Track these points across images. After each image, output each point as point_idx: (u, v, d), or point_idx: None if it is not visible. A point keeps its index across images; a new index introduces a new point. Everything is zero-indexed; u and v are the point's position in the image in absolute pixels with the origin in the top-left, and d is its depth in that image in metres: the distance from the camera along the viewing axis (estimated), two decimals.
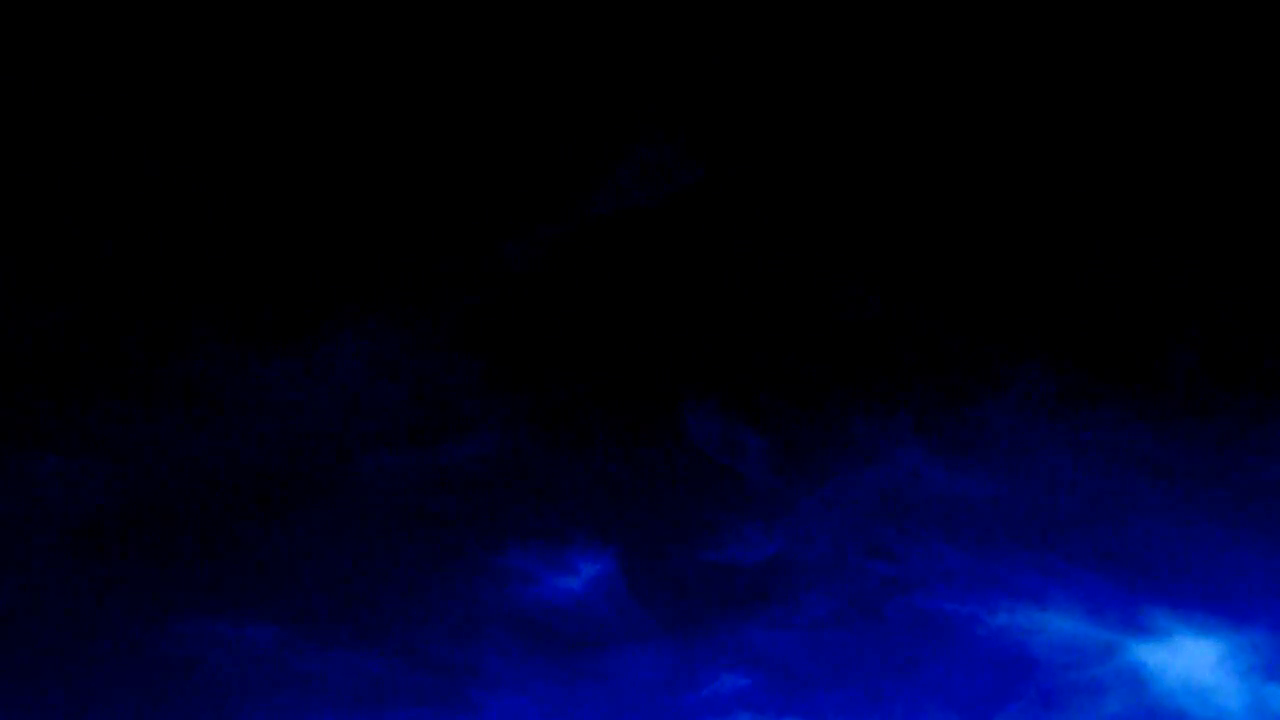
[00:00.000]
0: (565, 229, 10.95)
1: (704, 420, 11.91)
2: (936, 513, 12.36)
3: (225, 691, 13.55)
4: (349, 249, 11.24)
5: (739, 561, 12.80)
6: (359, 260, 11.29)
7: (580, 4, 9.98)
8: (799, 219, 10.95)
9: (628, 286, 11.33)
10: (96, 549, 12.80)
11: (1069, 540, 12.49)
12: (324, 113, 10.58)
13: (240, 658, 13.36)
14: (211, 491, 12.48)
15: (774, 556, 12.72)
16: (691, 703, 13.70)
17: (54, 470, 12.22)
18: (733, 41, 10.08)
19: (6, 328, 11.32)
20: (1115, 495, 12.22)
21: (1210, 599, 12.65)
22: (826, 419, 11.80)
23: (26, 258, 11.04)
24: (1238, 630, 12.76)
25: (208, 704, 13.67)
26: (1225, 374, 11.46)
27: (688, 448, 12.06)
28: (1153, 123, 10.55)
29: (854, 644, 13.25)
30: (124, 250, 11.08)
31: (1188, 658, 12.94)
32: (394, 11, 10.05)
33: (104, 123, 10.53)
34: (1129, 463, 11.98)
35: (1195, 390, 11.51)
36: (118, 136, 10.60)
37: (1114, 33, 10.19)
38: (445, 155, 10.74)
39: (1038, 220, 10.91)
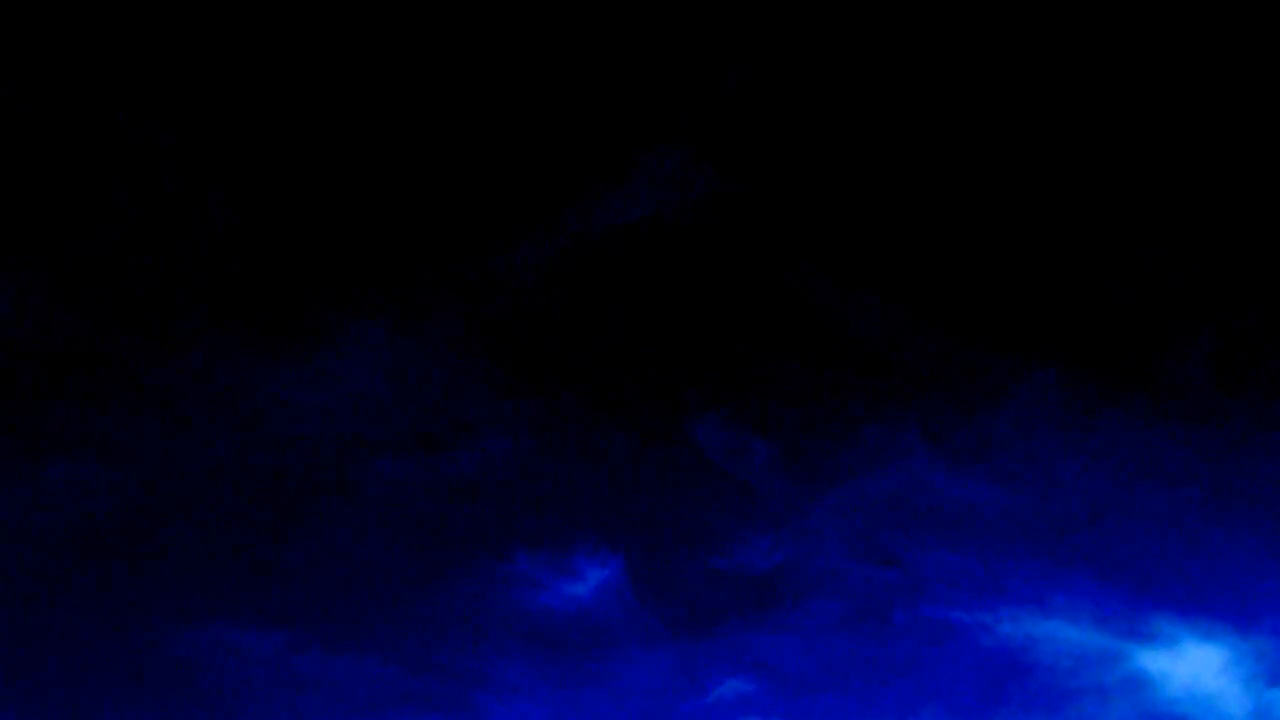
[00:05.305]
0: (574, 237, 10.96)
1: (712, 427, 11.92)
2: (943, 520, 12.38)
3: (231, 697, 13.55)
4: (357, 254, 11.24)
5: (746, 568, 12.82)
6: (367, 266, 11.29)
7: (593, 13, 9.99)
8: (808, 229, 10.97)
9: (637, 294, 11.35)
10: (103, 554, 12.80)
11: (1074, 547, 12.51)
12: (334, 119, 10.59)
13: (246, 663, 13.37)
14: (219, 497, 12.48)
15: (781, 563, 12.74)
16: (697, 708, 13.72)
17: (61, 475, 12.23)
18: (744, 54, 10.10)
19: (15, 333, 11.32)
20: (1120, 502, 12.24)
21: (1215, 605, 12.67)
22: (834, 427, 11.82)
23: (35, 264, 11.04)
24: (1242, 636, 12.78)
25: (213, 709, 13.67)
26: (1230, 381, 11.49)
27: (696, 454, 12.07)
28: (1158, 132, 10.57)
29: (860, 650, 13.27)
30: (132, 256, 11.08)
31: (1192, 664, 12.96)
32: (406, 20, 10.06)
33: (112, 129, 10.53)
34: (1134, 470, 12.00)
35: (1201, 398, 11.54)
36: (124, 142, 10.60)
37: (1118, 42, 10.21)
38: (456, 162, 10.75)
39: (1045, 230, 10.93)
